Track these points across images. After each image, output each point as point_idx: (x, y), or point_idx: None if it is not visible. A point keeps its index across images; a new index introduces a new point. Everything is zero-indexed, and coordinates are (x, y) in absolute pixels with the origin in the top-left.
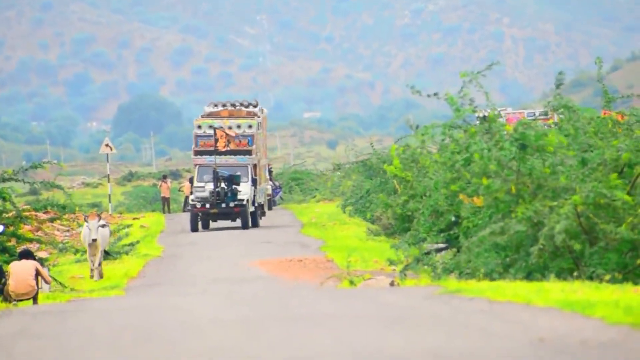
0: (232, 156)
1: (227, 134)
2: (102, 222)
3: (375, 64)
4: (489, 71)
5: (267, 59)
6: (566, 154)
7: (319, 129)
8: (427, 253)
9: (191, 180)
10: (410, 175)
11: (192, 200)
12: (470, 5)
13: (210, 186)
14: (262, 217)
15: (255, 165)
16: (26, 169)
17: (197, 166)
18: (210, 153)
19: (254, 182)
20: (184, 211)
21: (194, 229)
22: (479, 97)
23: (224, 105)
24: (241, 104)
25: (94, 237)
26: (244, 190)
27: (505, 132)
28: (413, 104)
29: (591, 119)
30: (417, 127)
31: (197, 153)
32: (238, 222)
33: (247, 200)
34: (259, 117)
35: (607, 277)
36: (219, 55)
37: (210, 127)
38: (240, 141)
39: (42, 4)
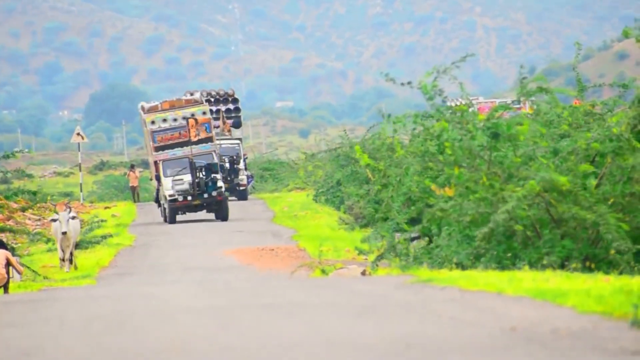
0: (195, 145)
1: (197, 122)
2: (72, 214)
3: (347, 53)
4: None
5: (239, 48)
6: (538, 144)
7: (291, 118)
8: (399, 242)
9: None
10: (382, 164)
11: (171, 195)
12: None
13: (187, 178)
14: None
15: (217, 153)
16: None
17: (161, 162)
18: (171, 147)
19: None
20: (155, 201)
21: (172, 221)
22: (452, 86)
23: (191, 94)
24: (217, 93)
25: (63, 230)
26: (219, 178)
27: (477, 122)
28: (385, 93)
29: (563, 107)
30: (389, 116)
31: (158, 149)
32: (209, 215)
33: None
34: (202, 103)
35: (574, 265)
36: (191, 44)
37: (165, 120)
38: (197, 129)
39: None
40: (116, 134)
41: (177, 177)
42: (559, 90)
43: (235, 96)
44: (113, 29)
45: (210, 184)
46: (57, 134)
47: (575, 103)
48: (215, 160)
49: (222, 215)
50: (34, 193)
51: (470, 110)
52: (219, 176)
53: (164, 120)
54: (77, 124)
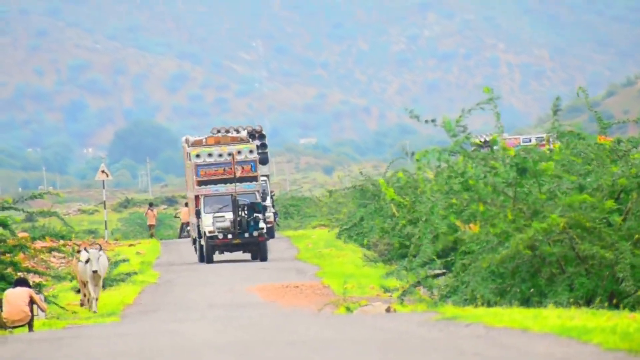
0: (239, 183)
1: (235, 160)
2: (101, 252)
3: (370, 90)
4: (486, 97)
5: (263, 85)
6: (561, 180)
7: (315, 154)
8: (425, 278)
9: (187, 205)
10: (408, 200)
11: (211, 232)
12: (465, 31)
13: (229, 215)
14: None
15: (260, 192)
16: (26, 199)
17: (203, 197)
18: (214, 182)
19: (264, 210)
20: (179, 237)
21: (210, 260)
22: (476, 122)
23: (218, 132)
24: (245, 129)
25: (94, 269)
26: (262, 219)
27: (506, 157)
28: (409, 129)
29: (588, 145)
30: (412, 154)
31: (201, 183)
32: (246, 256)
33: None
34: (249, 141)
35: (599, 302)
36: (214, 81)
37: (210, 154)
38: (243, 167)
39: (38, 30)
40: (140, 171)
41: (218, 214)
42: (588, 136)
43: (263, 132)
44: (137, 66)
45: (252, 223)
46: (81, 172)
47: (600, 139)
48: (259, 199)
49: (260, 255)
50: (63, 236)
51: (495, 146)
52: (261, 216)
53: (210, 154)
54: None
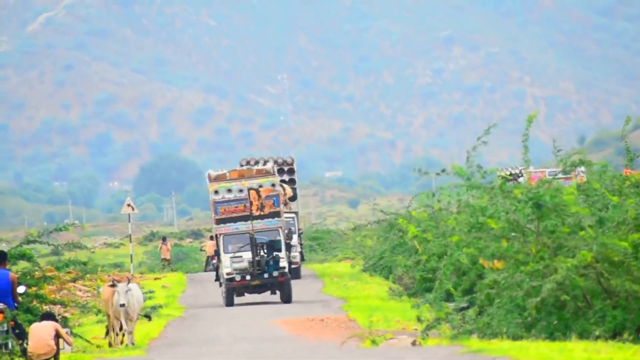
0: (260, 220)
1: (259, 196)
2: (130, 285)
3: (396, 123)
4: (511, 130)
5: (289, 118)
6: (582, 214)
7: (340, 188)
8: (449, 313)
9: (212, 238)
10: (430, 235)
11: (229, 274)
12: (490, 64)
13: (247, 255)
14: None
15: (284, 229)
16: (50, 232)
17: (222, 236)
18: (234, 220)
19: (288, 248)
20: (205, 271)
21: (230, 303)
22: (502, 154)
23: (247, 163)
24: (275, 162)
25: (121, 302)
26: (282, 257)
27: (522, 193)
28: (434, 163)
29: (614, 177)
30: (433, 195)
31: (220, 221)
32: (271, 297)
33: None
34: (274, 174)
35: (626, 336)
36: (240, 114)
37: (229, 190)
38: (266, 204)
39: (64, 64)
40: (166, 204)
41: (236, 255)
42: (601, 163)
43: (293, 166)
44: (163, 100)
45: (271, 263)
46: (107, 205)
47: (626, 172)
48: (280, 237)
49: (283, 297)
50: (85, 263)
51: (520, 179)
52: (282, 255)
53: (229, 190)
54: (127, 195)
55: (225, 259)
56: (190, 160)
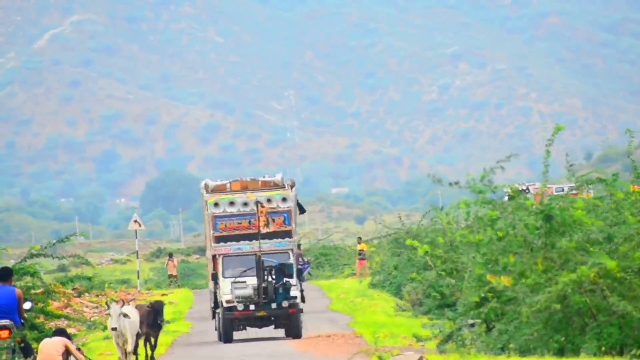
0: (268, 240)
1: (266, 211)
2: (125, 308)
3: (402, 139)
4: (518, 146)
5: (295, 135)
6: (590, 229)
7: (347, 204)
8: (459, 329)
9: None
10: (441, 250)
11: (229, 302)
12: (497, 80)
13: (252, 281)
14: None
15: (295, 251)
16: (53, 244)
17: (221, 257)
18: (236, 239)
19: (299, 274)
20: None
21: (228, 338)
22: (508, 171)
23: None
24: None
25: (113, 326)
26: (294, 284)
27: (532, 206)
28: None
29: (627, 193)
30: (442, 208)
31: (219, 239)
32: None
33: (300, 298)
34: (284, 187)
35: (632, 352)
36: (246, 130)
37: (232, 203)
38: (273, 220)
39: (70, 81)
40: (172, 221)
41: (238, 279)
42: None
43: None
44: (169, 116)
45: (281, 290)
46: (114, 222)
47: (633, 188)
48: (292, 260)
49: (293, 331)
50: (89, 278)
51: (527, 195)
52: (293, 281)
53: (231, 203)
54: (133, 211)
55: (225, 284)
56: (197, 177)
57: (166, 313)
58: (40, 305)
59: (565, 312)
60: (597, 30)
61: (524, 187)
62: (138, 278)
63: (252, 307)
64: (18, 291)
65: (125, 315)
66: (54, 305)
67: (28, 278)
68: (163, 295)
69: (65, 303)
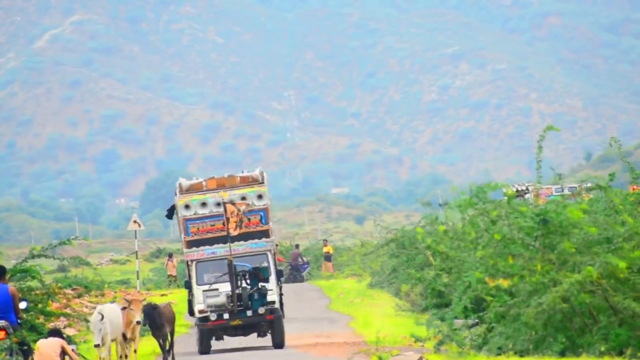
0: (243, 242)
1: (238, 211)
2: (106, 307)
3: (402, 140)
4: (518, 147)
5: (295, 135)
6: (588, 232)
7: (347, 204)
8: (457, 329)
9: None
10: (443, 247)
11: (202, 311)
12: (497, 80)
13: (225, 287)
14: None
15: (274, 252)
16: (54, 246)
17: (195, 262)
18: (209, 242)
19: (279, 276)
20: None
21: (205, 349)
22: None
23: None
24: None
25: (95, 344)
26: (271, 289)
27: (529, 209)
28: (441, 179)
29: (626, 195)
30: (446, 203)
31: (192, 244)
32: (260, 340)
33: (278, 304)
34: (262, 183)
35: (630, 352)
36: (246, 131)
37: (204, 204)
38: (249, 219)
39: (71, 81)
40: (172, 221)
41: (210, 287)
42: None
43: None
44: (169, 116)
45: (256, 296)
46: (113, 222)
47: (633, 189)
48: (269, 263)
49: (276, 340)
50: (87, 286)
51: (527, 195)
52: (270, 286)
53: (203, 204)
54: (133, 211)
55: (199, 292)
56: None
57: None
58: (40, 305)
59: (565, 313)
60: (598, 31)
61: (524, 187)
62: (138, 278)
63: (226, 316)
64: (11, 288)
65: (102, 318)
66: (53, 306)
67: (29, 279)
68: (162, 295)
69: (64, 304)
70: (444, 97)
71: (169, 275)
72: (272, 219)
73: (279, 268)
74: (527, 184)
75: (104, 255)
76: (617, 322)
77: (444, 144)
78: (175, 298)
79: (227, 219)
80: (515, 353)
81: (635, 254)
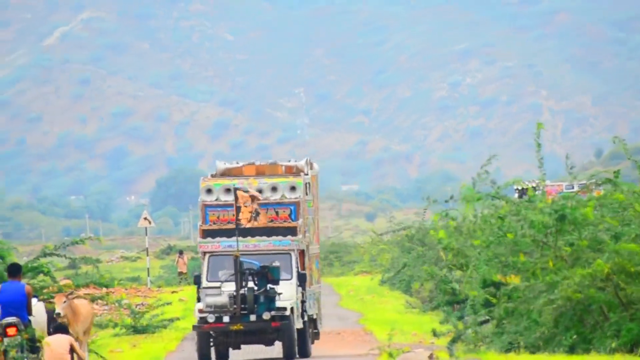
0: (266, 238)
1: (253, 198)
2: (37, 305)
3: (412, 137)
4: (527, 144)
5: (305, 132)
6: (600, 228)
7: (357, 201)
8: (469, 326)
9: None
10: (455, 242)
11: (201, 311)
12: (507, 78)
13: (230, 287)
14: (315, 341)
15: (302, 252)
16: (67, 245)
17: (208, 255)
18: (228, 234)
19: (302, 280)
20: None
21: (204, 357)
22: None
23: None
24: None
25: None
26: (286, 293)
27: (545, 205)
28: (450, 176)
29: (634, 192)
30: (452, 197)
31: (207, 234)
32: (271, 350)
33: (292, 310)
34: (306, 174)
35: None
36: (256, 128)
37: (228, 190)
38: (277, 212)
39: (81, 78)
40: (183, 218)
41: (212, 285)
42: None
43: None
44: (179, 113)
45: (262, 299)
46: (124, 219)
47: None
48: (291, 264)
49: (286, 351)
50: (106, 285)
51: (536, 192)
52: (285, 289)
53: (227, 190)
54: (144, 208)
55: (203, 291)
56: (207, 174)
57: (176, 310)
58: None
59: (576, 310)
60: (607, 28)
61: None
62: (148, 275)
63: (225, 319)
64: (28, 288)
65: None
66: None
67: (41, 276)
68: (173, 292)
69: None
70: (453, 94)
71: (180, 272)
72: (303, 215)
73: (302, 272)
74: (536, 181)
75: (115, 252)
76: (628, 318)
77: (453, 141)
78: (186, 295)
79: (238, 208)
80: (526, 348)
81: None
